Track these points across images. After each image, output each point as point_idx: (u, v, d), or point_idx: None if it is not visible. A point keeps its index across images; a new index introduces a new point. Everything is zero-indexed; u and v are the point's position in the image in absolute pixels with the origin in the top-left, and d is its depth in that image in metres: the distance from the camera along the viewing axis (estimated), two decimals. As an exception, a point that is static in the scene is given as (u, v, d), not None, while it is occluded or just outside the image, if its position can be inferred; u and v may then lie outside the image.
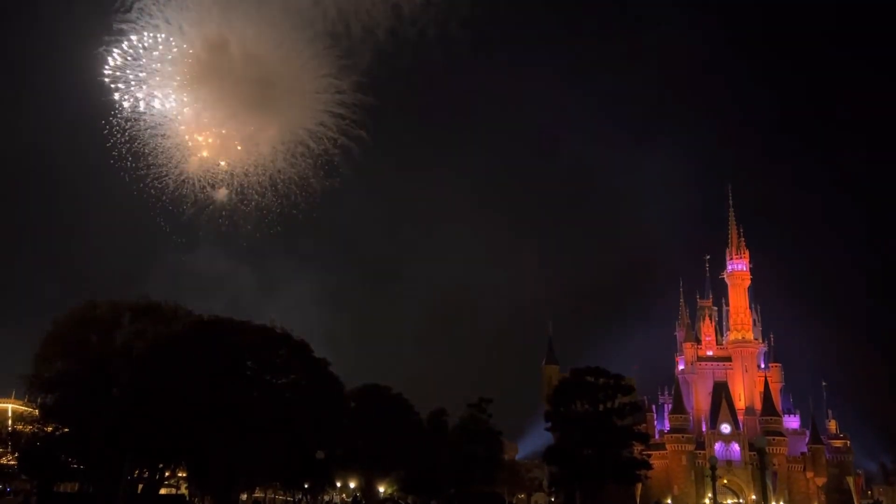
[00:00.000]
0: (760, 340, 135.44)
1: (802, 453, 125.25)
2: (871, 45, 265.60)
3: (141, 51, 66.98)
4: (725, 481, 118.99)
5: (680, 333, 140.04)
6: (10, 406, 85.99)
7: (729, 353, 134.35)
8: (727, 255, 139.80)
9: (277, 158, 72.84)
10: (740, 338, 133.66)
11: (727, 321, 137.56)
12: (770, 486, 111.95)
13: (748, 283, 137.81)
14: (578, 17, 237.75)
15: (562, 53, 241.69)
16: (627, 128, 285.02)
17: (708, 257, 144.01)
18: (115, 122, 68.61)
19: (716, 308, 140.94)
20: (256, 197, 73.11)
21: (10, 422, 75.23)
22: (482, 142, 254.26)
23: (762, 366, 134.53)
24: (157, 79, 68.37)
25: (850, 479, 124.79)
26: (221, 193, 73.27)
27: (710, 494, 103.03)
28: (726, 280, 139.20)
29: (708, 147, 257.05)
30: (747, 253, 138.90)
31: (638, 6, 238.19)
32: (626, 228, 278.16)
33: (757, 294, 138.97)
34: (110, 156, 70.57)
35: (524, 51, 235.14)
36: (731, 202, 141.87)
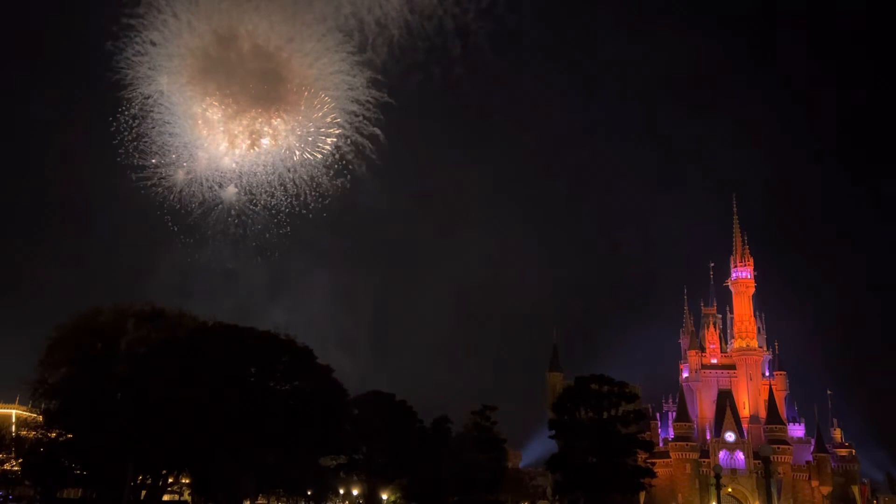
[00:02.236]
0: (765, 348, 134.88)
1: (807, 462, 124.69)
2: (878, 51, 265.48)
3: (149, 46, 66.58)
4: (730, 490, 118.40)
5: (684, 341, 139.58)
6: (14, 412, 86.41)
7: (733, 360, 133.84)
8: (731, 262, 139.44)
9: (287, 156, 72.31)
10: (745, 346, 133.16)
11: (731, 329, 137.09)
12: (775, 495, 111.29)
13: (752, 290, 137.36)
14: (592, 15, 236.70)
15: (580, 48, 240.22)
16: (633, 134, 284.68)
17: (712, 265, 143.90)
18: (122, 119, 68.28)
19: (720, 316, 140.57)
20: (266, 196, 72.63)
21: (13, 427, 75.62)
22: (493, 142, 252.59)
23: (767, 374, 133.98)
24: (166, 75, 67.91)
25: (856, 489, 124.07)
26: (230, 192, 72.84)
27: (714, 503, 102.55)
28: (731, 288, 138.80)
29: (713, 155, 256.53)
30: (752, 260, 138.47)
31: (645, 11, 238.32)
32: (631, 236, 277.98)
33: (761, 302, 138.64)
34: (117, 153, 70.26)
35: (543, 45, 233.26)
36: (735, 210, 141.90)
